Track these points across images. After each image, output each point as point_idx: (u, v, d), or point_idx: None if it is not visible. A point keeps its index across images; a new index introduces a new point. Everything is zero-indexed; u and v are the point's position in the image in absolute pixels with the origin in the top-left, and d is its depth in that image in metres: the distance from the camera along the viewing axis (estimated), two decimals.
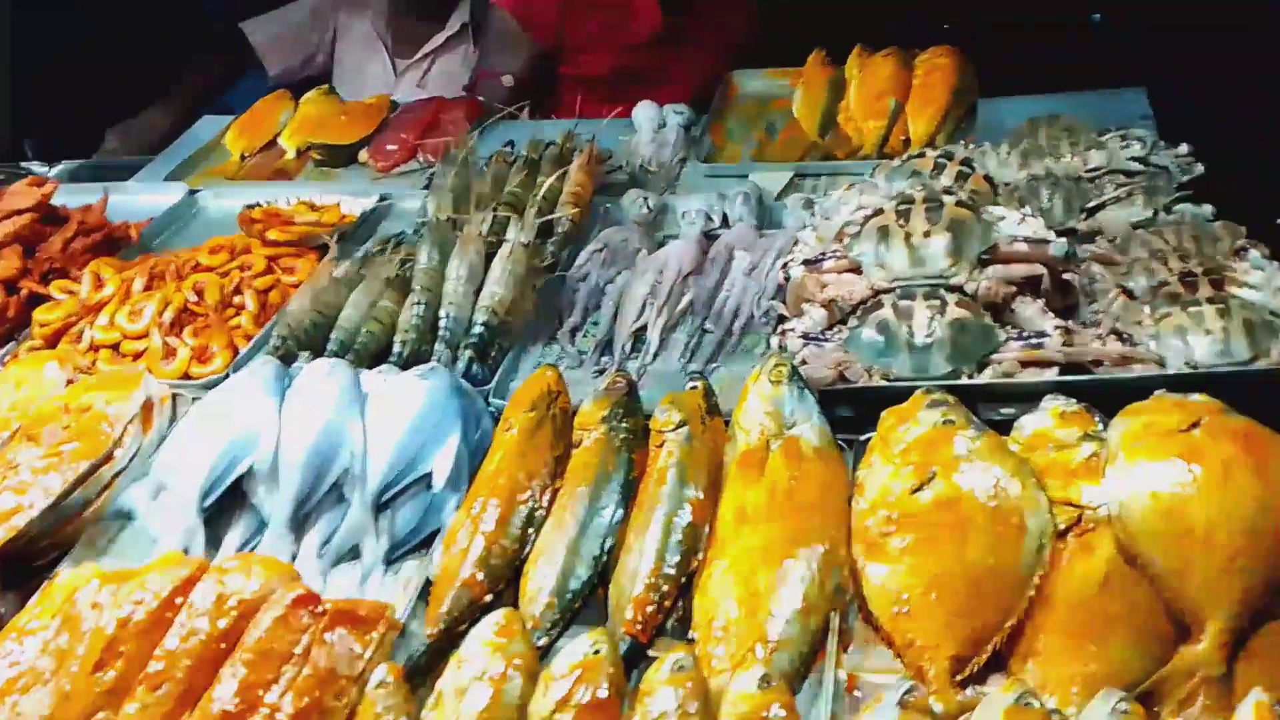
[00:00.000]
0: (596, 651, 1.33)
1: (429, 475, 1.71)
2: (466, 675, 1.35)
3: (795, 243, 2.06)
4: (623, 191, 2.55)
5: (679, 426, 1.68)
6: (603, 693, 1.29)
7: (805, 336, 1.85)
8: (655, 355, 2.06)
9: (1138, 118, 2.48)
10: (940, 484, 1.46)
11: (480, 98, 3.13)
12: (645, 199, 2.51)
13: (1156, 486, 1.33)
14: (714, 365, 2.01)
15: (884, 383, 1.76)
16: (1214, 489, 1.31)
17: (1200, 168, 2.18)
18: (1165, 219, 2.05)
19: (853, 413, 1.77)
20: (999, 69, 2.79)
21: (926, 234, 1.83)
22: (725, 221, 2.41)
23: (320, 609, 1.49)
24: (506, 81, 3.26)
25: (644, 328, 2.12)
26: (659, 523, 1.56)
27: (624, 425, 1.70)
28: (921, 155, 2.15)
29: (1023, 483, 1.43)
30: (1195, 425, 1.38)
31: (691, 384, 1.77)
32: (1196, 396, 1.46)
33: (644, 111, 2.86)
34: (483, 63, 3.36)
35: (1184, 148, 2.24)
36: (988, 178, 2.08)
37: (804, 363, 1.81)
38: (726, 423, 1.72)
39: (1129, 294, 1.85)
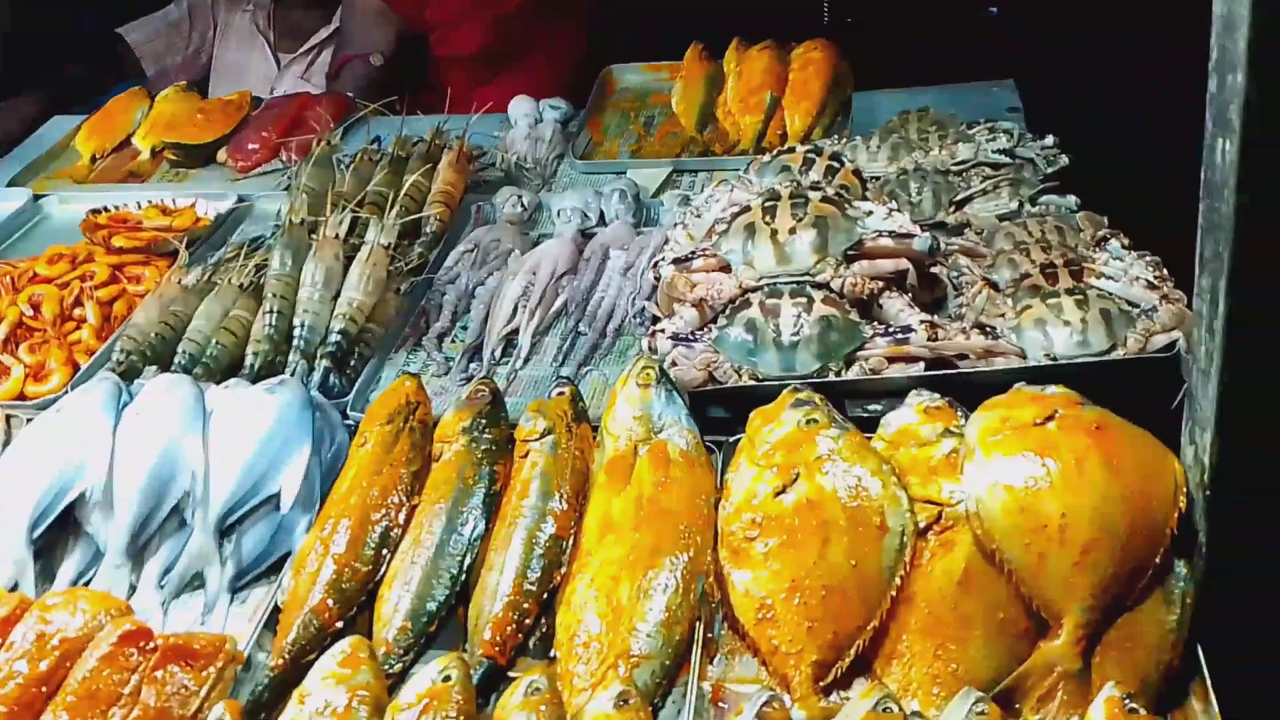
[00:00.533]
0: (445, 678, 1.26)
1: (278, 495, 1.61)
2: (308, 710, 1.27)
3: (666, 241, 2.01)
4: (497, 189, 2.48)
5: (543, 435, 1.62)
6: None
7: (675, 337, 1.80)
8: (526, 360, 1.99)
9: (1006, 111, 2.51)
10: (803, 486, 1.43)
11: (349, 93, 3.01)
12: (519, 197, 2.44)
13: (1011, 481, 1.32)
14: (587, 369, 1.95)
15: (752, 382, 1.73)
16: (1067, 483, 1.30)
17: (1065, 159, 2.21)
18: (1030, 211, 2.08)
19: (727, 413, 1.74)
20: (876, 62, 2.79)
21: (792, 231, 1.80)
22: (602, 219, 2.36)
23: (151, 644, 1.39)
24: (375, 61, 3.16)
25: (516, 331, 2.05)
26: (520, 537, 1.50)
27: (486, 436, 1.63)
28: (791, 151, 2.12)
29: (884, 482, 1.41)
30: (1050, 419, 1.38)
31: (558, 390, 1.71)
32: (1053, 389, 1.46)
33: (519, 106, 2.78)
34: (347, 46, 3.24)
35: (1050, 139, 2.27)
36: (857, 172, 2.07)
37: (674, 364, 1.77)
38: (596, 429, 1.67)
39: (993, 286, 1.85)
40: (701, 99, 2.70)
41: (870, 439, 1.54)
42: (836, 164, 2.07)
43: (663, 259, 1.93)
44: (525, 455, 1.61)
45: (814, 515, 1.40)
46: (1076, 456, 1.32)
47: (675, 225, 2.02)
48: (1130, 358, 1.62)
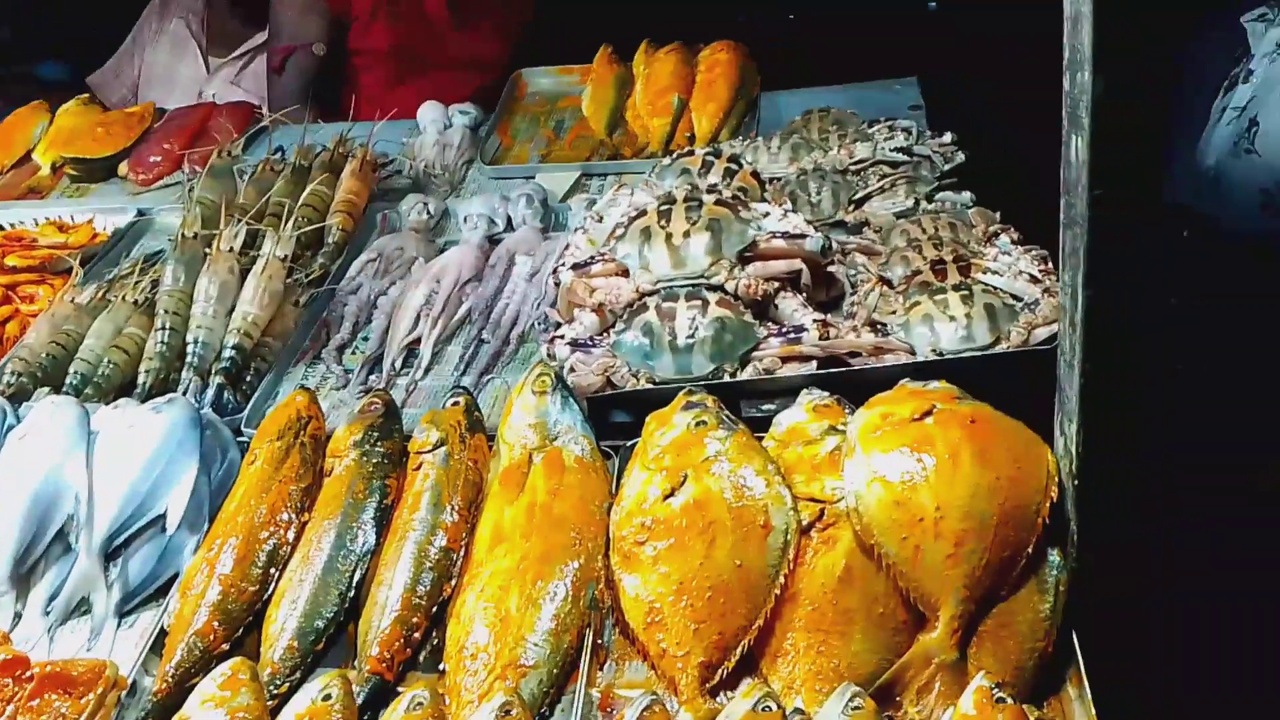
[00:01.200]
0: (326, 697, 1.25)
1: (165, 516, 1.58)
2: None
3: (567, 247, 2.01)
4: (405, 197, 2.45)
5: (436, 447, 1.61)
6: None
7: (573, 343, 1.80)
8: (427, 370, 1.98)
9: (908, 108, 2.54)
10: (691, 488, 1.43)
11: (294, 86, 2.97)
12: (425, 204, 2.42)
13: (888, 476, 1.34)
14: (489, 377, 1.95)
15: (648, 386, 1.73)
16: (941, 476, 1.32)
17: (961, 156, 2.24)
18: (926, 208, 2.11)
19: (630, 417, 1.74)
20: (785, 61, 2.82)
21: (686, 234, 1.81)
22: (509, 225, 2.35)
23: (28, 673, 1.35)
24: (318, 51, 3.10)
25: (418, 341, 2.04)
26: (410, 551, 1.49)
27: (378, 449, 1.61)
28: (691, 154, 2.14)
29: (768, 481, 1.42)
30: (928, 414, 1.40)
31: (453, 400, 1.70)
32: (935, 384, 1.48)
33: (428, 112, 2.76)
34: (279, 38, 3.18)
35: (948, 136, 2.31)
36: (755, 174, 2.09)
37: (572, 370, 1.77)
38: (494, 438, 1.66)
39: (887, 283, 1.88)
40: (611, 102, 2.70)
41: (762, 439, 1.56)
42: (735, 166, 2.08)
43: (563, 264, 1.93)
44: (418, 468, 1.60)
45: (700, 517, 1.41)
46: (950, 450, 1.35)
47: (576, 230, 2.02)
48: (1012, 351, 1.65)
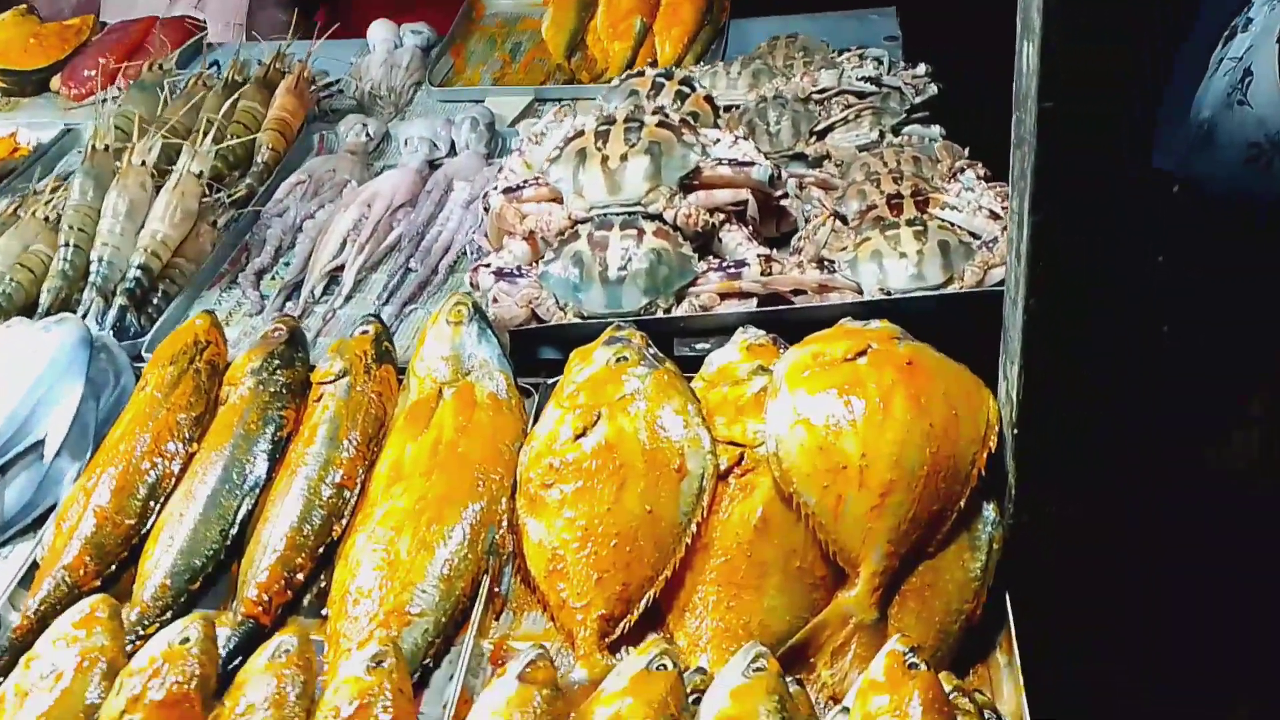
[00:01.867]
0: (183, 640, 1.14)
1: (44, 442, 1.47)
2: (33, 675, 1.15)
3: (500, 170, 1.88)
4: (344, 118, 2.32)
5: (339, 377, 1.49)
6: (181, 686, 1.10)
7: (499, 273, 1.68)
8: (348, 298, 1.85)
9: (883, 39, 2.39)
10: (604, 427, 1.32)
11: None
12: (364, 125, 2.28)
13: (813, 419, 1.23)
14: (412, 307, 1.82)
15: (575, 320, 1.61)
16: (869, 421, 1.21)
17: (934, 88, 2.10)
18: (891, 141, 1.97)
19: (560, 354, 1.63)
20: None
21: (623, 157, 1.68)
22: (453, 150, 2.21)
23: None
24: None
25: (342, 268, 1.91)
26: (300, 487, 1.38)
27: (277, 378, 1.50)
28: (640, 75, 1.99)
29: (686, 422, 1.31)
30: (862, 354, 1.28)
31: (362, 328, 1.57)
32: (875, 324, 1.36)
33: (378, 31, 2.60)
34: None
35: (922, 68, 2.16)
36: (709, 99, 1.94)
37: (495, 301, 1.65)
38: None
39: (841, 219, 1.75)
40: (571, 25, 2.55)
41: (693, 379, 1.44)
42: (687, 89, 1.94)
43: (494, 188, 1.79)
44: (318, 399, 1.48)
45: (611, 458, 1.29)
46: (882, 393, 1.23)
47: (513, 152, 1.89)
48: (963, 292, 1.53)
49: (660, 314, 1.60)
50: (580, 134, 1.75)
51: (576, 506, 1.29)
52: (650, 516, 1.26)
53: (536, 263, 1.70)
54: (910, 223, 1.61)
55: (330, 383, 1.49)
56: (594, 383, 1.38)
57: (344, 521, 1.37)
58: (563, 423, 1.35)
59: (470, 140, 2.19)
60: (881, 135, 1.97)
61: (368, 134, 2.27)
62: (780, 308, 1.59)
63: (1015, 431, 1.20)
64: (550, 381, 1.52)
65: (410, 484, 1.37)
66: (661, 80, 1.95)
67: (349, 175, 2.12)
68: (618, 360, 1.39)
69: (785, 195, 1.80)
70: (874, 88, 2.06)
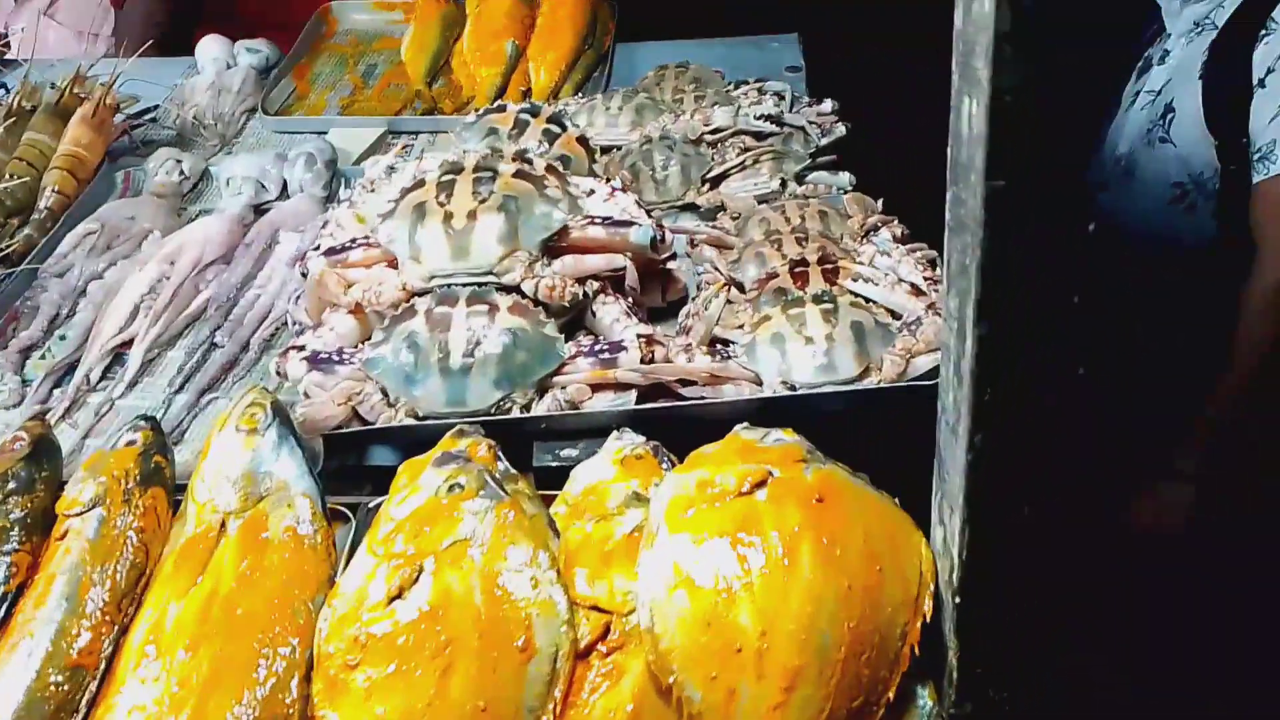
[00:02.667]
0: None
1: None
2: None
3: (325, 224, 1.54)
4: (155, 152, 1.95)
5: (89, 509, 1.14)
6: None
7: (314, 358, 1.34)
8: (132, 384, 1.49)
9: (785, 70, 2.14)
10: (428, 586, 1.00)
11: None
12: (178, 161, 1.92)
13: (698, 579, 0.94)
14: (212, 396, 1.47)
15: (408, 421, 1.29)
16: (771, 584, 0.92)
17: (842, 128, 1.85)
18: (794, 191, 1.71)
19: (395, 457, 1.31)
20: (647, 8, 2.37)
21: (472, 214, 1.37)
22: (284, 192, 1.87)
23: None
24: None
25: (131, 343, 1.55)
26: (22, 667, 1.02)
27: (8, 508, 1.13)
28: (501, 110, 1.68)
29: (535, 579, 1.00)
30: (761, 485, 1.00)
31: (128, 436, 1.22)
32: (777, 435, 1.08)
33: (208, 48, 2.25)
34: None
35: (828, 104, 1.91)
36: (583, 140, 1.65)
37: (306, 397, 1.32)
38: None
39: (738, 287, 1.48)
40: (434, 45, 2.23)
41: (555, 498, 1.14)
42: (556, 128, 1.64)
43: (315, 248, 1.46)
44: (62, 537, 1.13)
45: (435, 632, 0.97)
46: (786, 542, 0.95)
47: (341, 202, 1.56)
48: (882, 388, 1.26)
49: (516, 412, 1.29)
50: (420, 184, 1.43)
51: (388, 698, 0.96)
52: (485, 715, 0.95)
53: (361, 344, 1.37)
54: (818, 299, 1.33)
55: (78, 515, 1.14)
56: (418, 520, 1.06)
57: (79, 716, 1.02)
58: (374, 577, 1.03)
59: (305, 181, 1.85)
60: (783, 184, 1.71)
61: (181, 172, 1.91)
62: (664, 405, 1.30)
63: (957, 599, 0.93)
64: (373, 504, 1.20)
65: (170, 661, 1.03)
66: (526, 117, 1.65)
67: (152, 223, 1.76)
68: (450, 489, 1.07)
69: (673, 256, 1.52)
70: (774, 127, 1.80)
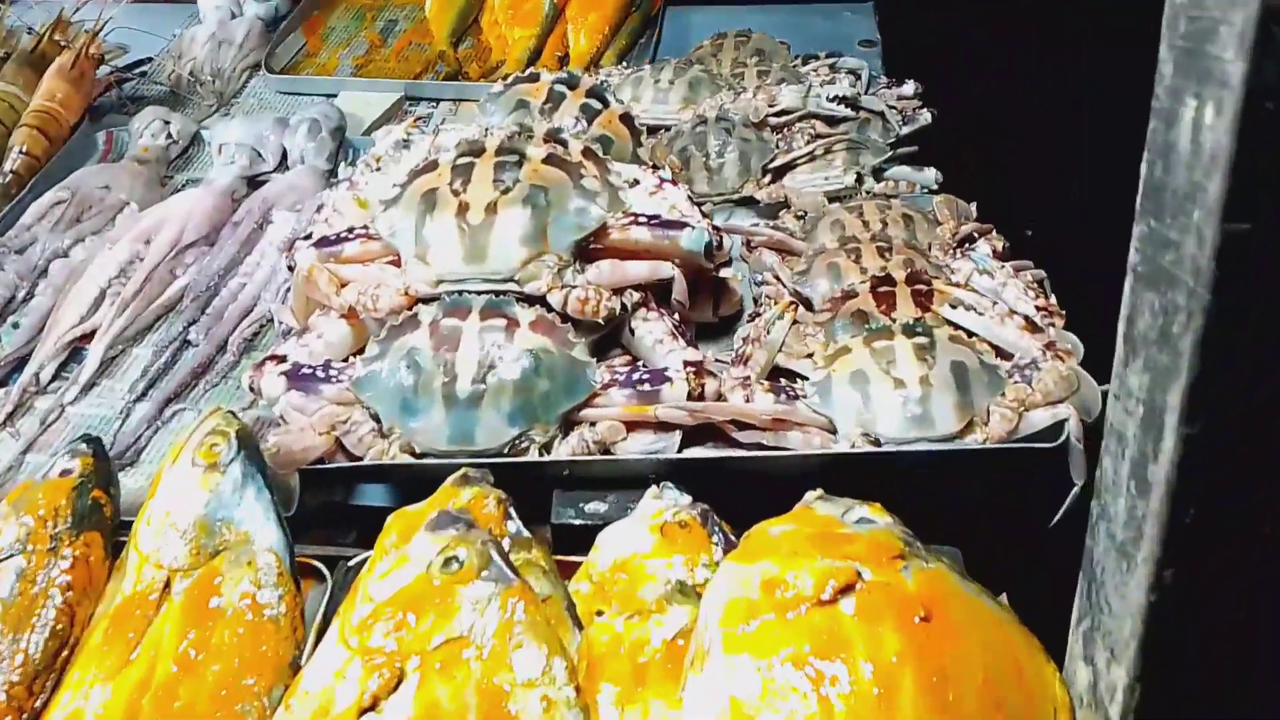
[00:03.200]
0: None
1: None
2: None
3: (320, 208, 1.31)
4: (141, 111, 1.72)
5: (6, 556, 0.93)
6: None
7: (294, 373, 1.12)
8: (88, 387, 1.27)
9: (858, 44, 1.88)
10: (409, 698, 0.78)
11: None
12: (166, 123, 1.69)
13: None
14: (179, 407, 1.25)
15: (403, 459, 1.06)
16: None
17: (927, 116, 1.60)
18: (873, 188, 1.46)
19: (389, 499, 1.10)
20: None
21: (491, 207, 1.13)
22: (284, 163, 1.64)
23: None
24: None
25: (93, 335, 1.33)
26: None
27: None
28: (534, 79, 1.44)
29: (548, 700, 0.78)
30: (847, 591, 0.77)
31: (64, 464, 1.00)
32: (861, 513, 0.84)
33: None
34: None
35: (910, 86, 1.66)
36: (627, 118, 1.40)
37: (280, 423, 1.10)
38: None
39: (805, 304, 1.23)
40: (461, 2, 1.98)
41: (576, 568, 0.92)
42: (597, 103, 1.40)
43: (304, 237, 1.23)
44: None
45: None
46: (882, 678, 0.71)
47: (340, 182, 1.32)
48: (989, 448, 1.02)
49: (534, 454, 1.06)
50: (432, 166, 1.19)
51: None
52: None
53: (352, 358, 1.14)
54: (909, 330, 1.09)
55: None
56: (403, 605, 0.83)
57: None
58: (344, 677, 0.81)
59: (307, 151, 1.62)
60: (859, 179, 1.46)
61: (169, 134, 1.68)
62: (714, 454, 1.06)
63: None
64: (355, 560, 0.98)
65: None
66: (561, 89, 1.41)
67: (128, 194, 1.54)
68: (445, 564, 0.84)
69: (728, 262, 1.27)
70: (849, 112, 1.55)
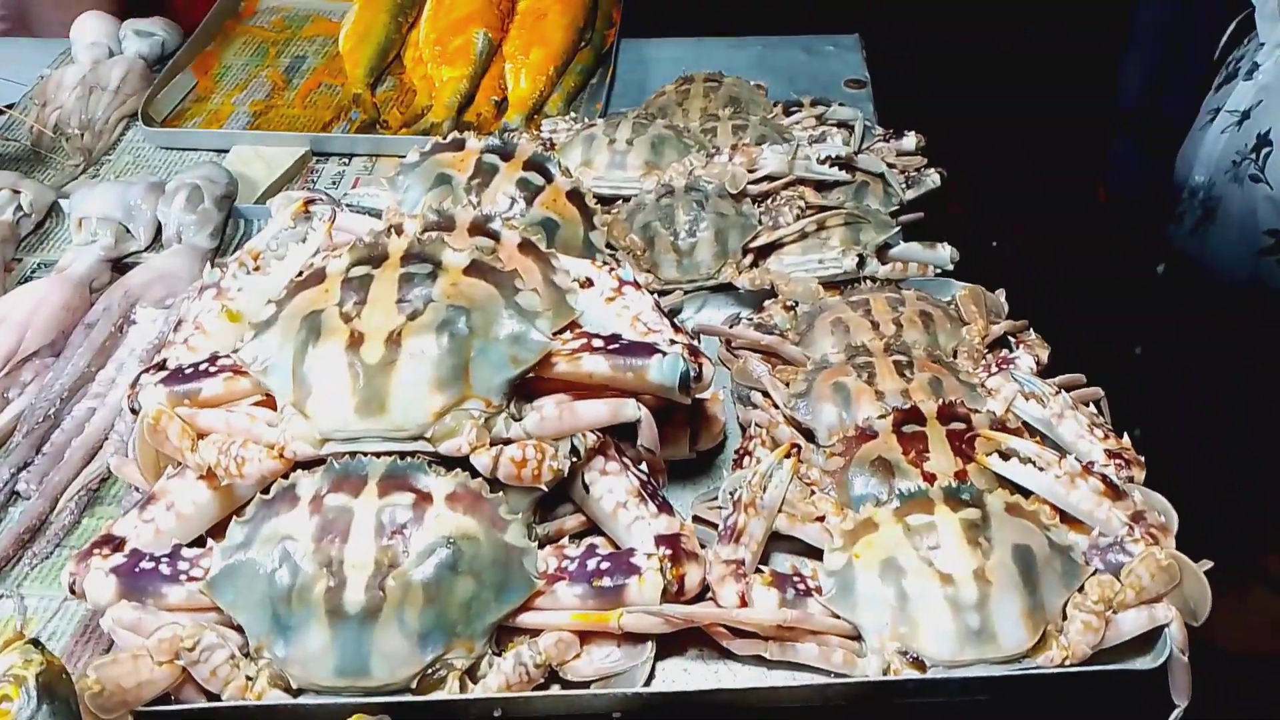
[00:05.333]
0: None
1: None
2: None
3: (179, 325, 1.02)
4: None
5: None
6: None
7: (128, 570, 0.82)
8: None
9: (844, 84, 1.62)
10: None
11: None
12: (16, 192, 1.39)
13: None
14: None
15: (277, 699, 0.77)
16: None
17: (936, 178, 1.34)
18: (876, 271, 1.20)
19: None
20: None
21: (394, 339, 0.84)
22: (157, 240, 1.34)
23: None
24: None
25: None
26: None
27: None
28: (458, 147, 1.15)
29: None
30: None
31: None
32: None
33: (86, 27, 1.70)
34: None
35: (911, 139, 1.40)
36: (576, 194, 1.12)
37: (105, 655, 0.80)
38: None
39: (807, 435, 0.97)
40: (382, 34, 1.69)
41: None
42: (538, 177, 1.11)
43: (149, 371, 0.94)
44: None
45: None
46: None
47: (205, 288, 1.02)
48: (1072, 672, 0.76)
49: (452, 686, 0.78)
50: (318, 278, 0.90)
51: None
52: None
53: (209, 541, 0.85)
54: (954, 497, 0.82)
55: None
56: None
57: None
58: None
59: (186, 226, 1.33)
60: (861, 261, 1.19)
61: (20, 207, 1.38)
62: (700, 689, 0.79)
63: None
64: None
65: None
66: (493, 160, 1.12)
67: None
68: None
69: (703, 382, 0.99)
70: (843, 175, 1.28)
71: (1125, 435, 0.91)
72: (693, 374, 0.89)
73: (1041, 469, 0.85)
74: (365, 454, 0.83)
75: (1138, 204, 1.79)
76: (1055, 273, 1.39)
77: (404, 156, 1.46)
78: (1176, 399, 1.54)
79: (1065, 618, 0.78)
